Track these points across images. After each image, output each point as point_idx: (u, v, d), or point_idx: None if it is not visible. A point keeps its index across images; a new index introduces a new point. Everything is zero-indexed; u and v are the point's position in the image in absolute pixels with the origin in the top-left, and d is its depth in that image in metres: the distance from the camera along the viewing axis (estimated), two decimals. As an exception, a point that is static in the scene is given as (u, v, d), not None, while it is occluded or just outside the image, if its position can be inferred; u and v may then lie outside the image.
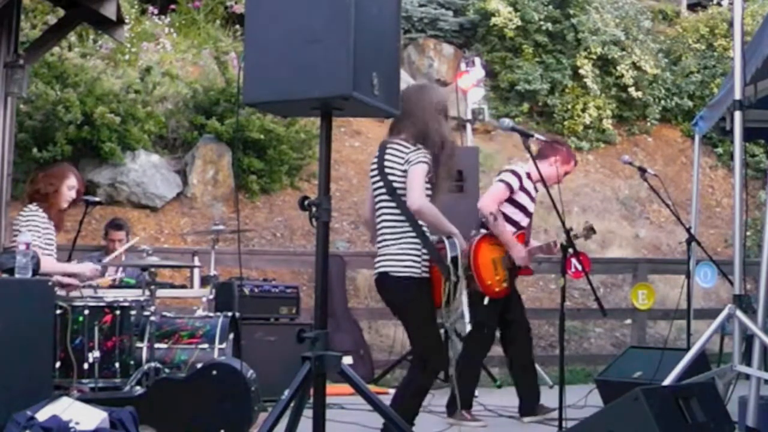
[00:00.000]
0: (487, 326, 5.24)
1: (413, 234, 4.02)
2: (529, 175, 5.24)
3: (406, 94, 4.14)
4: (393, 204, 4.07)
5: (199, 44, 10.47)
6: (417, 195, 3.98)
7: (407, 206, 4.01)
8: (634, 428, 3.39)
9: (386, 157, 4.12)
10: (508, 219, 5.18)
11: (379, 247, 4.13)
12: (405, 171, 4.04)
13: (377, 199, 4.17)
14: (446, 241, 4.06)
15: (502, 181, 5.20)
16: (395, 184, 4.06)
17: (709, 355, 5.95)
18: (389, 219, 4.09)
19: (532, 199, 5.31)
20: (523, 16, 11.72)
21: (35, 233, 5.03)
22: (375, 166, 4.18)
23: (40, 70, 8.07)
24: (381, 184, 4.11)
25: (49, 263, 5.03)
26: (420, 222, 4.03)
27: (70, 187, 5.28)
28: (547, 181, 5.18)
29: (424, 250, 4.03)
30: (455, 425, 5.04)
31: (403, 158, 4.06)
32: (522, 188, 5.21)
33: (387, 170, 4.09)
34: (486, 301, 5.05)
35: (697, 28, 13.22)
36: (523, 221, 5.26)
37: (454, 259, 4.02)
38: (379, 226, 4.14)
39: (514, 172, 5.23)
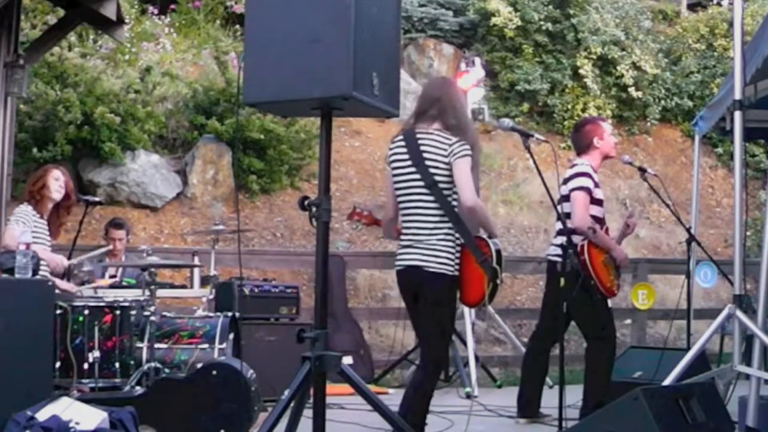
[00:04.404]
0: (606, 327, 5.01)
1: (449, 230, 3.89)
2: (592, 167, 5.09)
3: (434, 84, 4.25)
4: (431, 197, 3.90)
5: (199, 44, 10.47)
6: (470, 192, 3.85)
7: (449, 202, 3.89)
8: (634, 428, 3.38)
9: (423, 147, 3.94)
10: (595, 219, 4.97)
11: (408, 240, 3.97)
12: (448, 163, 3.89)
13: (408, 192, 3.98)
14: (488, 240, 3.96)
15: (581, 188, 4.93)
16: (437, 177, 3.90)
17: (709, 355, 5.95)
18: (425, 213, 3.93)
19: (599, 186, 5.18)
20: (523, 16, 11.71)
21: (24, 225, 5.05)
22: (406, 157, 3.98)
23: (40, 70, 8.07)
24: (418, 176, 3.93)
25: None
26: (461, 219, 3.90)
27: (55, 178, 5.30)
28: (608, 157, 5.28)
29: (458, 247, 3.92)
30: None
31: (446, 150, 3.90)
32: (596, 184, 5.04)
33: (427, 162, 3.91)
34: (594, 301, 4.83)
35: (697, 28, 13.22)
36: (601, 213, 5.09)
37: (499, 256, 3.93)
38: (409, 219, 3.98)
39: (583, 174, 5.00)
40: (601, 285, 4.85)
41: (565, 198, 4.99)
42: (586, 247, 4.83)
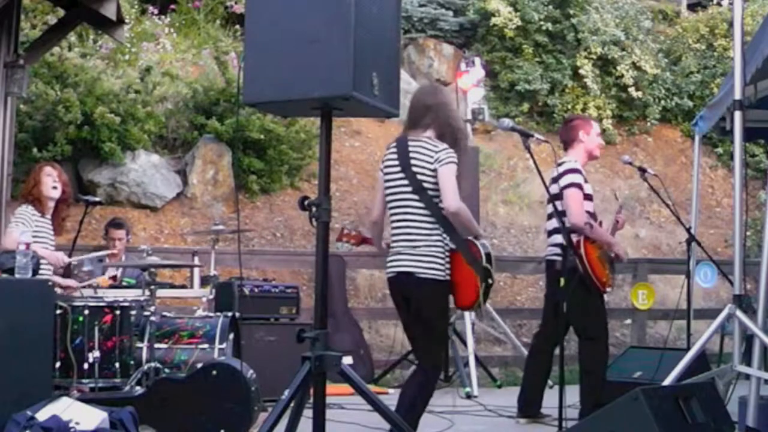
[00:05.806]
0: (600, 326, 5.02)
1: (439, 235, 3.95)
2: (579, 163, 5.13)
3: (426, 92, 4.26)
4: (420, 203, 3.98)
5: (199, 44, 10.46)
6: (453, 197, 3.92)
7: (438, 206, 3.95)
8: (634, 428, 3.38)
9: (411, 154, 4.02)
10: (588, 214, 4.97)
11: (398, 246, 4.02)
12: (434, 170, 3.96)
13: (397, 197, 4.05)
14: (476, 242, 4.01)
15: (572, 185, 4.93)
16: (424, 183, 3.97)
17: (709, 355, 5.96)
18: (414, 218, 3.99)
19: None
20: (523, 16, 11.71)
21: (24, 225, 5.06)
22: (396, 163, 4.06)
23: (40, 70, 8.06)
24: (406, 182, 4.00)
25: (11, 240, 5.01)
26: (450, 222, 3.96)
27: (48, 174, 5.33)
28: (592, 156, 5.26)
29: (447, 253, 3.98)
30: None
31: (432, 156, 3.98)
32: (586, 180, 5.06)
33: (414, 168, 3.98)
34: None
35: (697, 28, 13.22)
36: (592, 208, 5.09)
37: (489, 257, 3.99)
38: (399, 225, 4.04)
39: (573, 170, 5.00)
40: (597, 280, 4.87)
41: (557, 196, 4.92)
42: (582, 243, 4.84)
